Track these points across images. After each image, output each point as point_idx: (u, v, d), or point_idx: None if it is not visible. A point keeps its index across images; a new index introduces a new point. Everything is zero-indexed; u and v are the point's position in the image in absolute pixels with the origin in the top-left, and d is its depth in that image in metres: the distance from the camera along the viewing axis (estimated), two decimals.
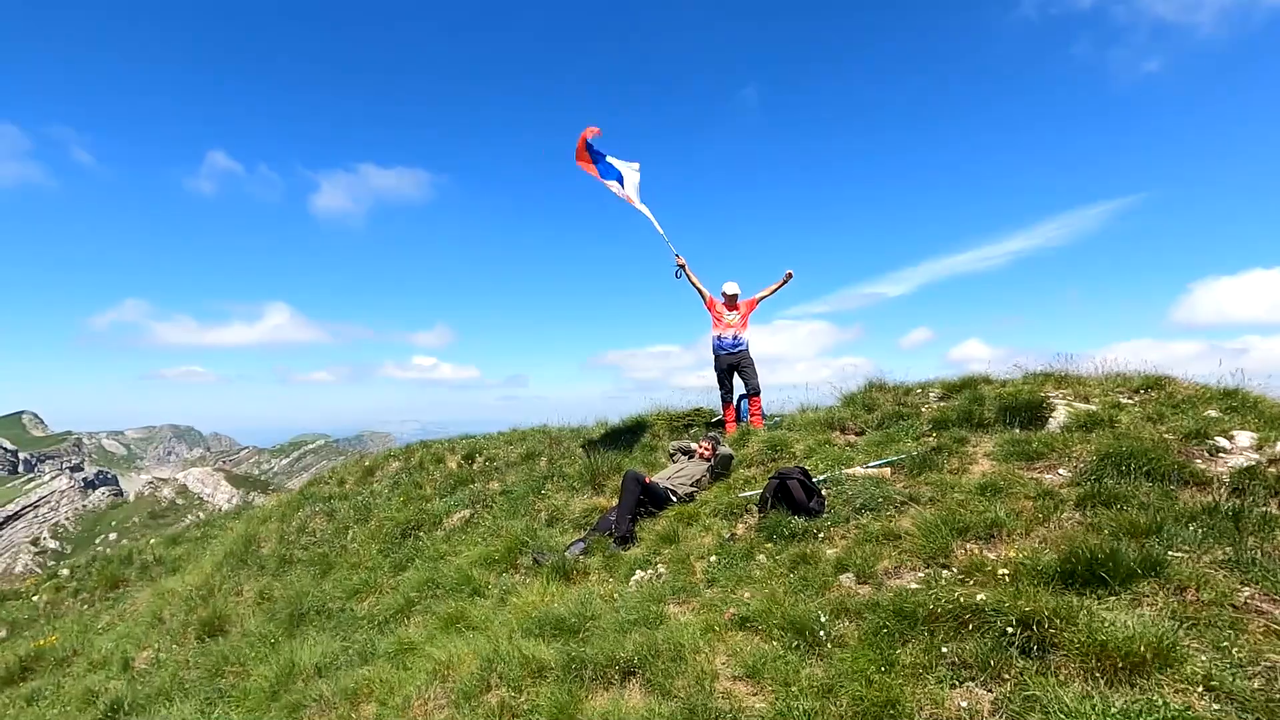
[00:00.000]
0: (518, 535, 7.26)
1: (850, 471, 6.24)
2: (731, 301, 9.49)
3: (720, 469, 7.30)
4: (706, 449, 7.57)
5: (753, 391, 9.49)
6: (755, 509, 5.98)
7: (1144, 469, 4.85)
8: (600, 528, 6.89)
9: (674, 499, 6.97)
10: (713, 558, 5.49)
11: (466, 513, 9.03)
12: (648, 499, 6.87)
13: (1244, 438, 5.51)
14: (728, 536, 5.84)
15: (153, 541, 14.59)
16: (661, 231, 9.30)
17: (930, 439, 6.83)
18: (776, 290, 9.73)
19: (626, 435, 10.70)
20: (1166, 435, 5.69)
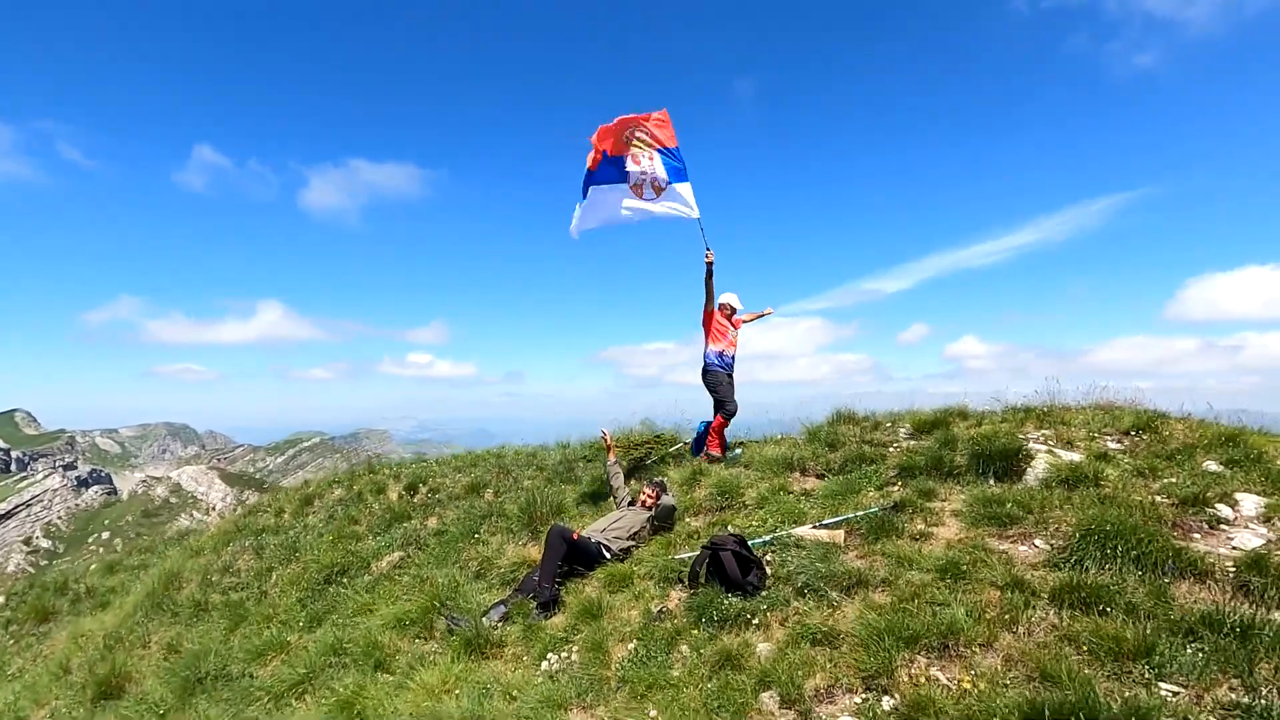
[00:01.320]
0: (439, 590, 6.52)
1: (800, 532, 5.46)
2: (731, 315, 8.64)
3: (662, 521, 6.52)
4: (650, 497, 6.79)
5: (733, 413, 8.59)
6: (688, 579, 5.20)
7: (1132, 552, 4.07)
8: (525, 588, 6.13)
9: (607, 556, 6.20)
10: (633, 644, 4.73)
11: (398, 555, 8.26)
12: (576, 557, 6.10)
13: (1249, 503, 4.74)
14: (656, 612, 5.07)
15: (92, 568, 13.81)
16: (698, 217, 8.34)
17: (895, 489, 6.06)
18: (754, 320, 9.07)
19: (581, 465, 9.93)
20: (1159, 499, 4.92)
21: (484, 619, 5.82)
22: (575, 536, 6.05)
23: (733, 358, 8.55)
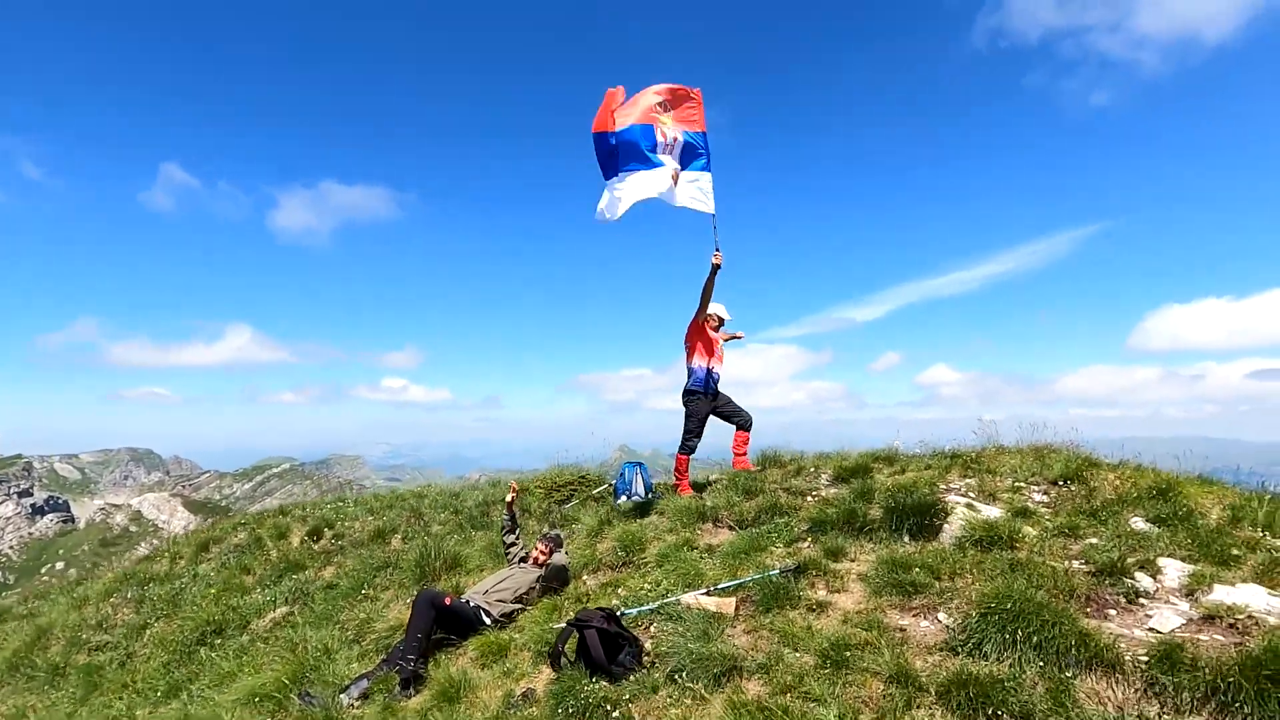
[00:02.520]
0: (307, 659, 5.82)
1: (690, 600, 4.86)
2: (718, 328, 7.88)
3: (551, 581, 5.88)
4: (542, 553, 6.17)
5: (748, 422, 7.84)
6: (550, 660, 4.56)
7: (1034, 637, 3.54)
8: (392, 659, 5.44)
9: (486, 622, 5.54)
10: None
11: (281, 612, 7.51)
12: (449, 624, 5.45)
13: (1172, 571, 4.25)
14: (519, 696, 4.43)
15: None
16: (713, 212, 7.25)
17: (804, 546, 5.51)
18: (727, 341, 8.29)
19: (501, 508, 9.27)
20: (1076, 565, 4.41)
21: (342, 696, 5.14)
22: (447, 602, 5.39)
23: (719, 376, 7.76)
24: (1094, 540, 4.78)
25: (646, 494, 8.64)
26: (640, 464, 9.02)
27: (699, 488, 7.78)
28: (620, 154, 6.86)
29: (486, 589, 5.79)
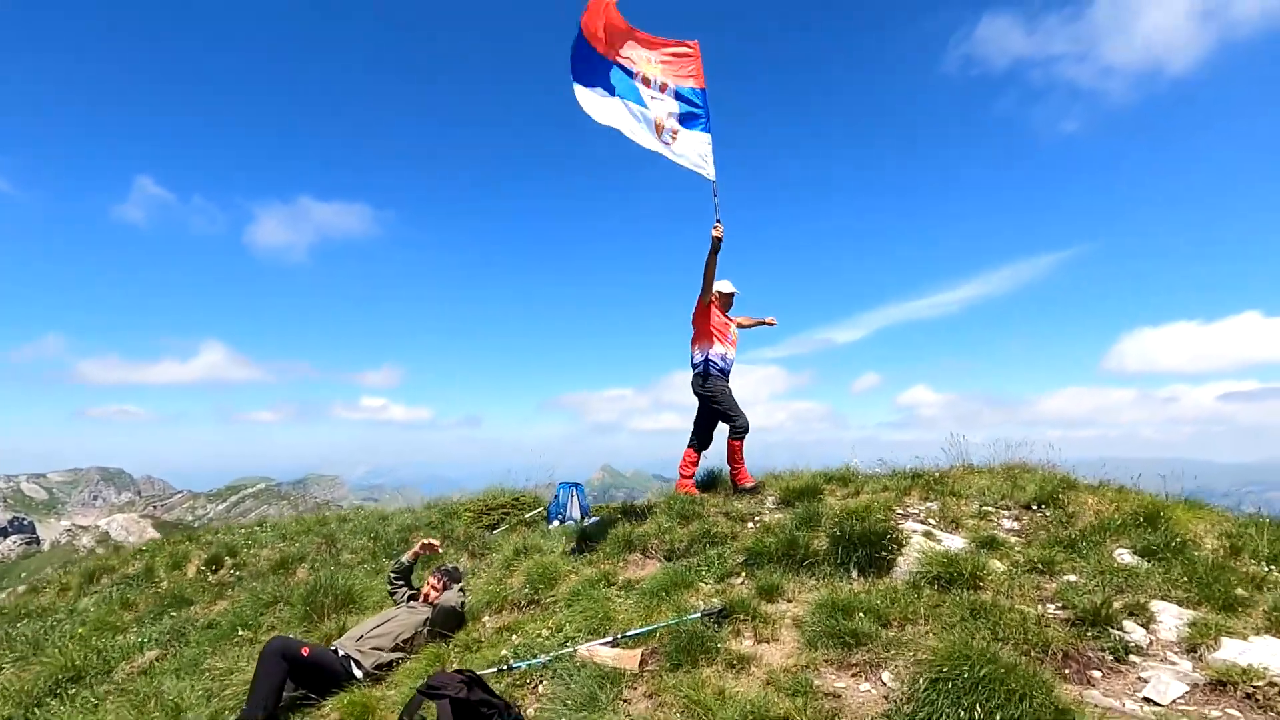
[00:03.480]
0: (159, 716, 4.86)
1: (588, 652, 3.99)
2: (728, 305, 7.02)
3: (440, 624, 4.96)
4: (434, 588, 5.26)
5: (746, 429, 6.77)
6: None
7: (996, 715, 2.71)
8: (246, 717, 4.49)
9: (357, 674, 4.61)
10: None
11: (152, 655, 6.49)
12: (307, 678, 4.51)
13: (1168, 618, 3.46)
14: None
15: None
16: (713, 179, 6.24)
17: (736, 582, 4.67)
18: (752, 326, 7.54)
19: (424, 533, 8.34)
20: (1051, 610, 3.61)
21: None
22: (304, 652, 4.46)
23: (732, 363, 6.87)
24: (1073, 577, 3.99)
25: (582, 518, 7.78)
26: (577, 485, 8.17)
27: (634, 513, 6.91)
28: (598, 71, 6.05)
29: (362, 634, 4.86)
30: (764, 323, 7.66)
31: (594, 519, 7.54)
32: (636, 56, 6.35)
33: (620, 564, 5.50)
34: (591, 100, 5.97)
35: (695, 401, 6.97)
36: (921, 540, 4.51)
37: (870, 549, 4.50)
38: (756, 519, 5.70)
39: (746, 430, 6.68)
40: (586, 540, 6.33)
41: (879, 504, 5.22)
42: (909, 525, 4.79)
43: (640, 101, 6.26)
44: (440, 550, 5.98)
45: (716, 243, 6.35)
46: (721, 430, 6.89)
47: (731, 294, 7.04)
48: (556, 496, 7.96)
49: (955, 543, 4.50)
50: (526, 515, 8.18)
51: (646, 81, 6.37)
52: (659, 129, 6.30)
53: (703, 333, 6.82)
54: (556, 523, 7.68)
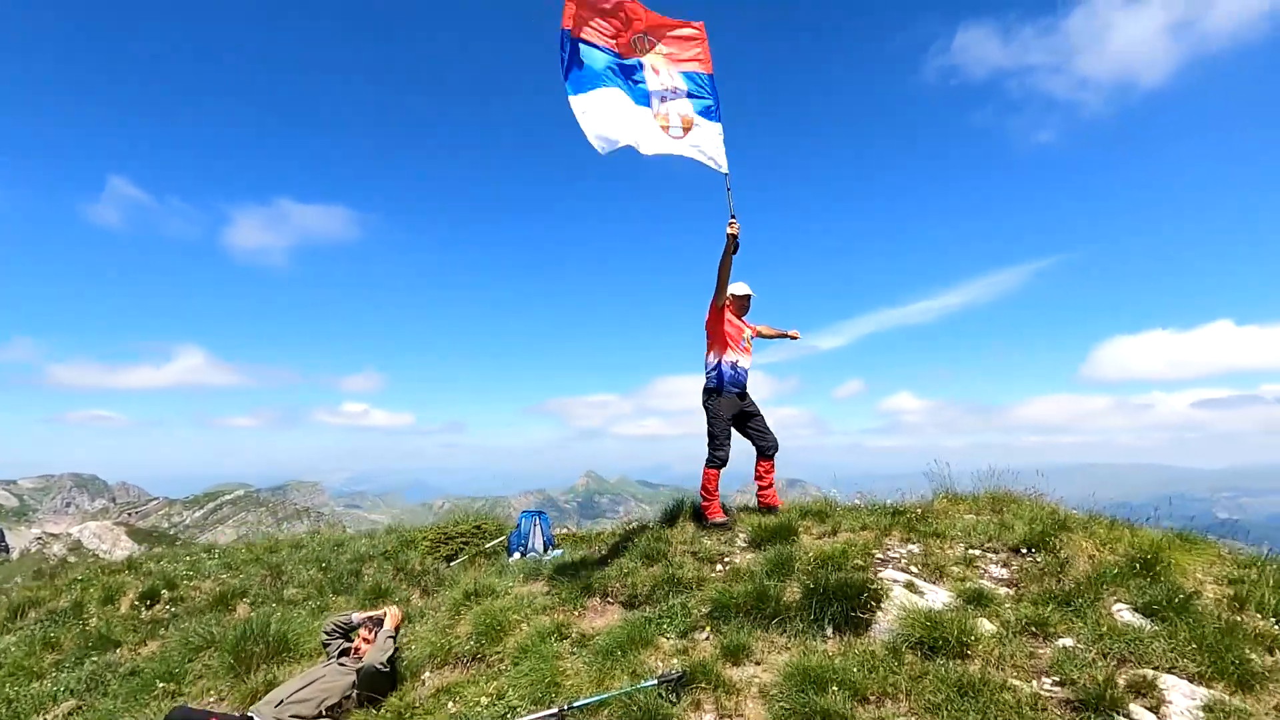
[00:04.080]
0: None
1: None
2: (744, 309, 6.46)
3: (367, 687, 4.45)
4: (365, 640, 4.76)
5: (774, 449, 6.38)
6: None
7: None
8: None
9: None
10: None
11: (67, 707, 5.92)
12: None
13: (1180, 699, 3.06)
14: None
15: None
16: (726, 172, 5.81)
17: (699, 639, 4.23)
18: (774, 337, 6.96)
19: (378, 563, 7.83)
20: (1047, 690, 3.20)
21: None
22: None
23: (747, 372, 6.31)
24: (1069, 642, 3.59)
25: (546, 549, 7.31)
26: (540, 513, 7.69)
27: (599, 547, 6.46)
28: (584, 63, 5.55)
29: (283, 698, 4.35)
30: (787, 335, 7.02)
31: (557, 551, 7.08)
32: (640, 42, 5.93)
33: (577, 611, 5.04)
34: (593, 114, 5.48)
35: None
36: (902, 593, 4.10)
37: (847, 603, 4.08)
38: (726, 560, 5.26)
39: (722, 464, 6.17)
40: (543, 580, 5.87)
41: (857, 547, 4.80)
42: (889, 574, 4.38)
43: (643, 92, 5.82)
44: (399, 621, 5.24)
45: (732, 241, 5.79)
46: (740, 447, 6.36)
47: (747, 296, 6.45)
48: (518, 526, 7.48)
49: (939, 597, 4.09)
50: (487, 545, 7.69)
51: (655, 69, 5.95)
52: (685, 125, 5.89)
53: (713, 338, 6.29)
54: (518, 555, 7.20)
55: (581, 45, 5.63)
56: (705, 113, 6.04)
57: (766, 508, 6.26)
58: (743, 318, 6.49)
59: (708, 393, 6.28)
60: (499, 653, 4.64)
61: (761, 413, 6.44)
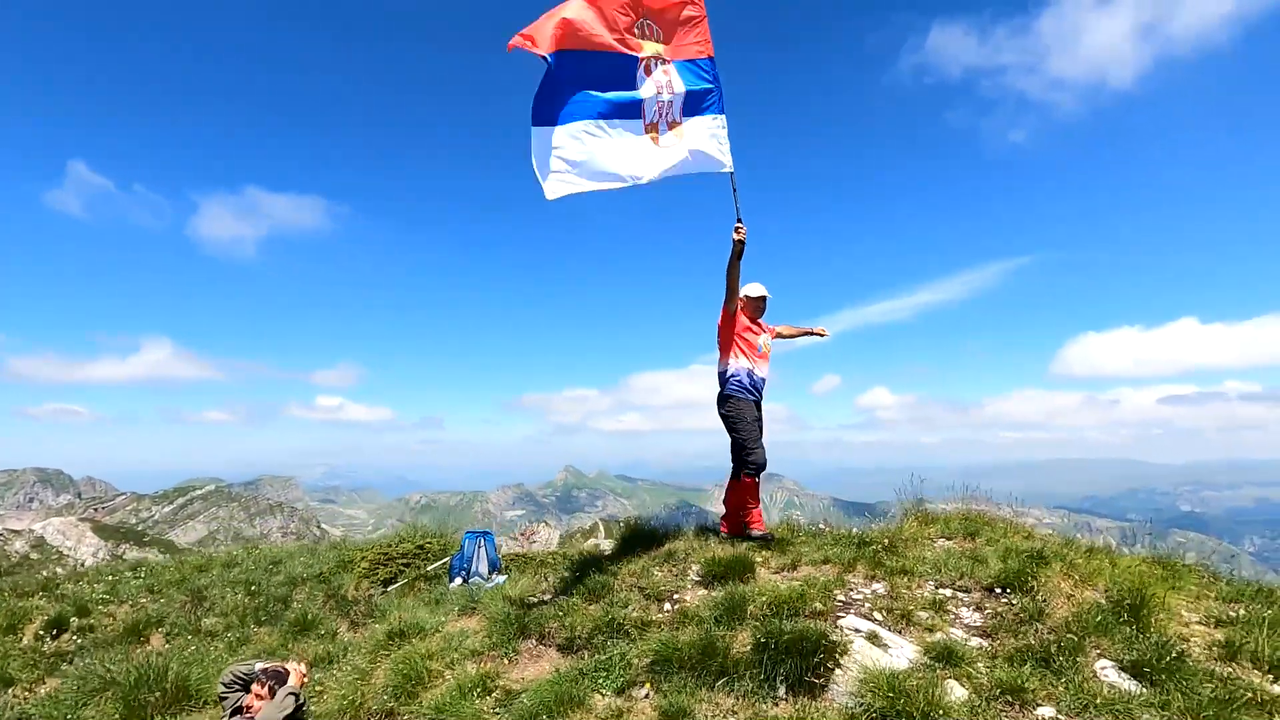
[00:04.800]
0: None
1: None
2: (759, 311, 5.96)
3: None
4: (259, 696, 4.20)
5: (756, 466, 5.74)
6: None
7: None
8: None
9: None
10: None
11: None
12: None
13: None
14: None
15: None
16: (731, 170, 5.35)
17: (638, 698, 3.75)
18: (797, 337, 6.38)
19: (311, 586, 7.25)
20: None
21: None
22: None
23: (764, 381, 5.81)
24: (1049, 711, 3.15)
25: (490, 573, 6.79)
26: (486, 533, 7.17)
27: (545, 572, 5.93)
28: (564, 85, 4.95)
29: None
30: (813, 333, 6.43)
31: (501, 578, 6.57)
32: (645, 29, 5.35)
33: (508, 658, 4.52)
34: (556, 160, 4.95)
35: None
36: (864, 647, 3.64)
37: (802, 659, 3.62)
38: (675, 599, 4.77)
39: (761, 467, 5.62)
40: (479, 614, 5.35)
41: (817, 587, 4.34)
42: (850, 621, 3.92)
43: (634, 100, 5.25)
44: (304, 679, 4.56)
45: (738, 247, 5.34)
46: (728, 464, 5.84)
47: (763, 298, 5.93)
48: (462, 548, 6.94)
49: (904, 652, 3.64)
50: (429, 568, 7.14)
51: (649, 69, 5.37)
52: (674, 129, 5.35)
53: (724, 344, 5.78)
54: (459, 580, 6.66)
55: (564, 60, 5.04)
56: (705, 106, 5.50)
57: (757, 534, 5.63)
58: (759, 320, 5.95)
59: (724, 400, 5.73)
60: (414, 710, 4.11)
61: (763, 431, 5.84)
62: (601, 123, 5.19)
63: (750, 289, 5.88)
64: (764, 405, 5.80)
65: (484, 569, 6.75)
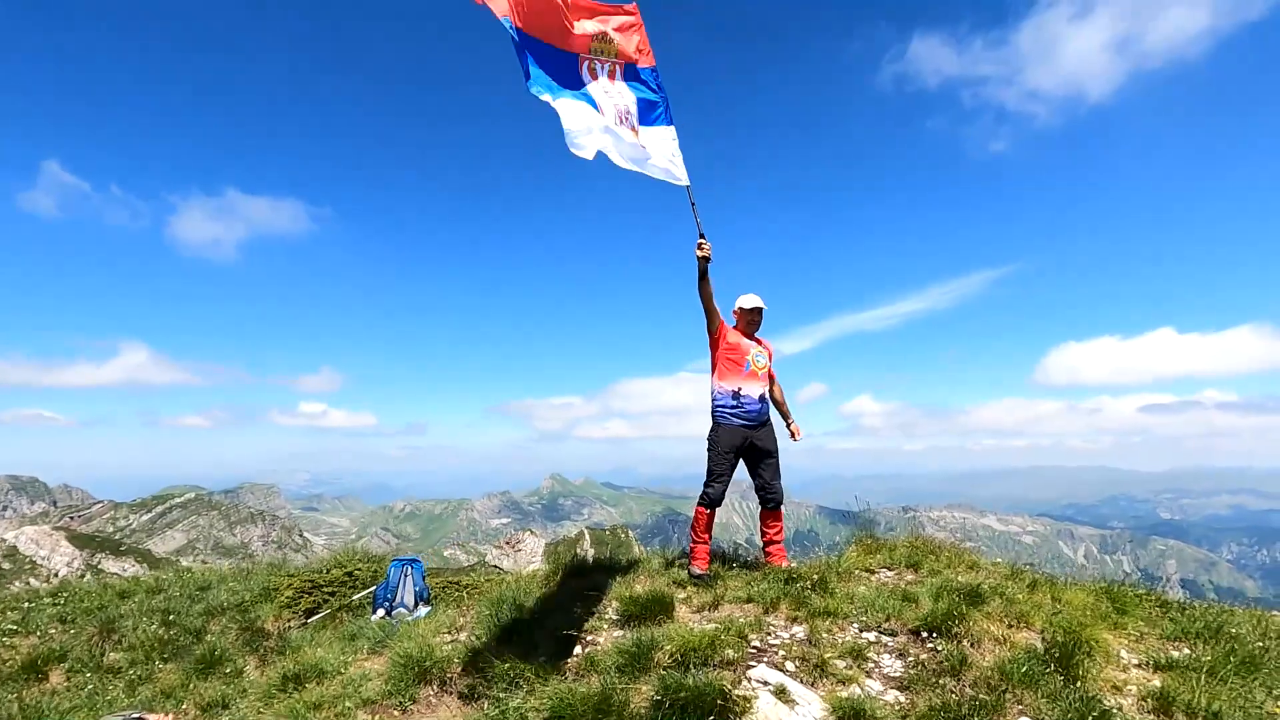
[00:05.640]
0: None
1: None
2: (753, 324, 5.54)
3: None
4: None
5: (776, 500, 5.53)
6: None
7: None
8: None
9: None
10: None
11: None
12: None
13: None
14: None
15: None
16: (687, 184, 5.06)
17: None
18: (780, 407, 5.83)
19: (230, 617, 6.86)
20: None
21: None
22: None
23: (760, 401, 5.37)
24: None
25: (416, 604, 6.45)
26: (414, 560, 6.82)
27: (473, 598, 5.60)
28: (534, 55, 4.71)
29: None
30: (788, 424, 5.87)
31: (424, 610, 6.22)
32: (580, 30, 5.12)
33: (403, 708, 4.19)
34: (572, 117, 4.67)
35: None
36: (769, 705, 3.34)
37: (700, 718, 3.31)
38: (589, 640, 4.45)
39: (712, 502, 5.32)
40: (386, 654, 5.00)
41: (733, 631, 4.04)
42: (760, 673, 3.62)
43: (592, 102, 5.00)
44: None
45: (702, 265, 5.03)
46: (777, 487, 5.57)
47: (756, 310, 5.48)
48: (387, 577, 6.59)
49: (812, 710, 3.34)
50: (355, 598, 6.78)
51: (593, 71, 5.15)
52: (634, 134, 5.11)
53: (712, 363, 5.46)
54: (381, 612, 6.31)
55: (533, 42, 4.84)
56: (652, 117, 5.26)
57: (773, 567, 5.29)
58: (755, 335, 5.56)
59: (712, 424, 5.42)
60: None
61: (777, 454, 5.52)
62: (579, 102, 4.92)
63: (743, 300, 5.53)
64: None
65: (409, 600, 6.40)
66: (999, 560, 6.04)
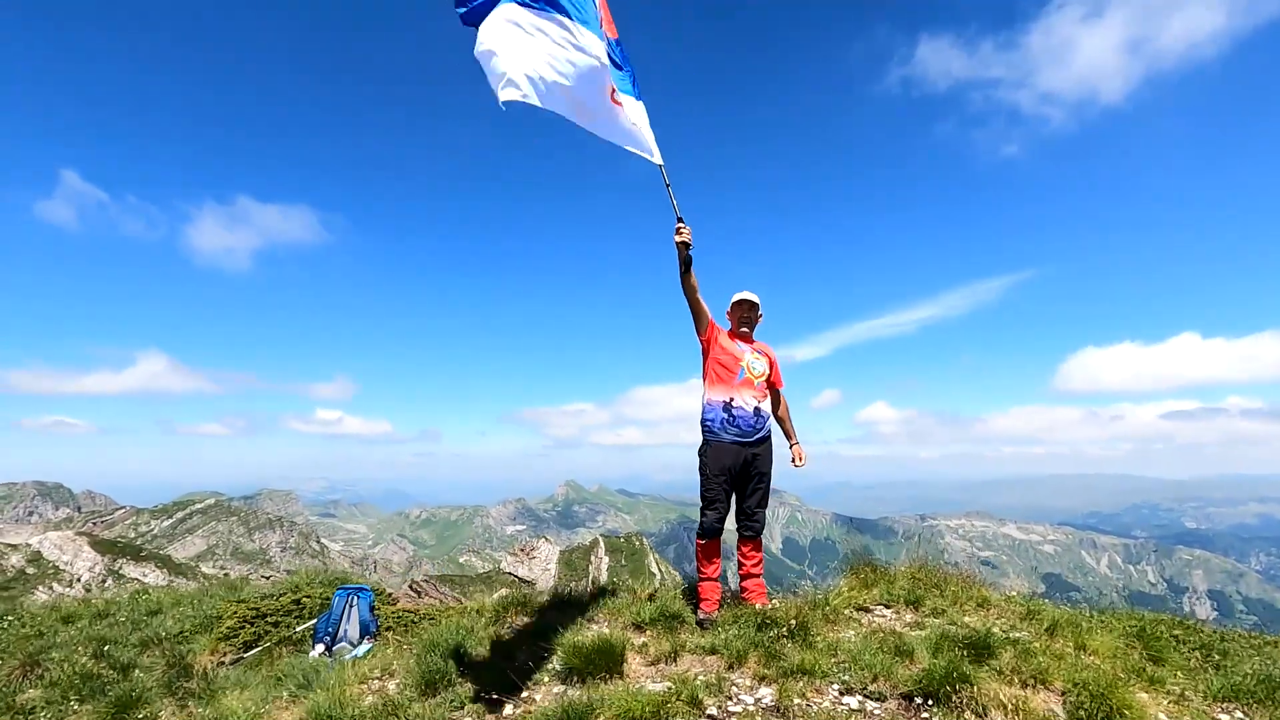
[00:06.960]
0: None
1: None
2: (749, 323, 4.92)
3: None
4: None
5: (756, 530, 4.81)
6: None
7: None
8: None
9: None
10: None
11: None
12: None
13: None
14: None
15: None
16: (660, 163, 4.51)
17: None
18: (784, 424, 5.16)
19: (162, 645, 6.29)
20: None
21: None
22: None
23: (756, 414, 4.68)
24: None
25: (361, 638, 5.82)
26: (362, 589, 6.19)
27: (414, 637, 4.97)
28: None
29: None
30: (790, 443, 5.17)
31: (365, 647, 5.59)
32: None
33: None
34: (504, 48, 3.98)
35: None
36: None
37: None
38: (524, 698, 3.79)
39: (709, 532, 4.68)
40: (308, 701, 4.38)
41: (685, 694, 3.35)
42: None
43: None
44: None
45: (682, 252, 4.42)
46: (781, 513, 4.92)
47: (746, 304, 4.87)
48: (331, 607, 5.97)
49: None
50: (298, 629, 6.17)
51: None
52: (613, 97, 4.57)
53: (703, 372, 4.82)
54: (320, 648, 5.69)
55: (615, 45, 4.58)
56: (624, 87, 4.72)
57: (700, 617, 4.58)
58: (752, 339, 4.91)
59: (701, 442, 4.78)
60: None
61: (769, 479, 4.81)
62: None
63: (745, 296, 4.88)
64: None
65: (354, 633, 5.78)
66: (1014, 594, 5.30)
